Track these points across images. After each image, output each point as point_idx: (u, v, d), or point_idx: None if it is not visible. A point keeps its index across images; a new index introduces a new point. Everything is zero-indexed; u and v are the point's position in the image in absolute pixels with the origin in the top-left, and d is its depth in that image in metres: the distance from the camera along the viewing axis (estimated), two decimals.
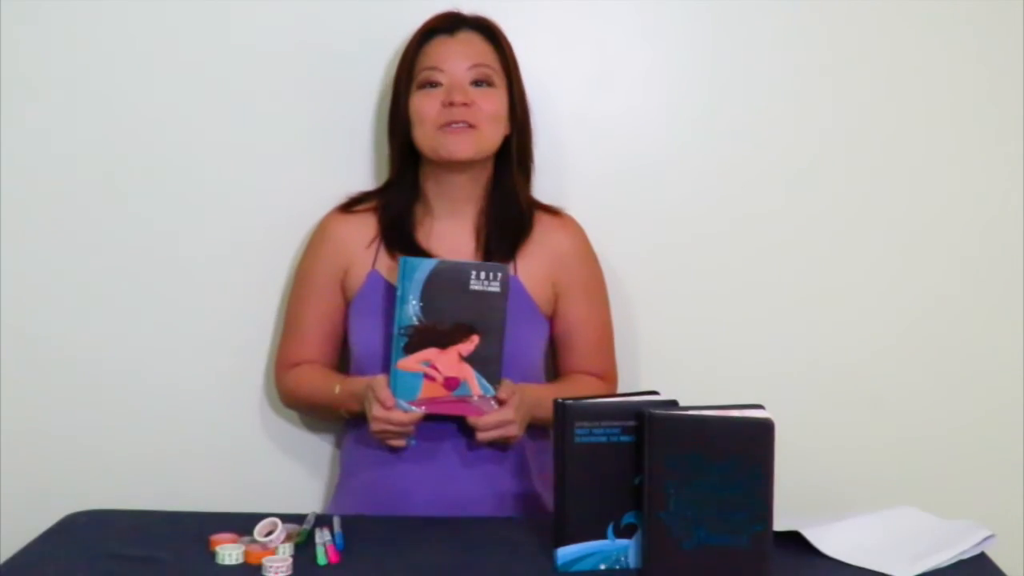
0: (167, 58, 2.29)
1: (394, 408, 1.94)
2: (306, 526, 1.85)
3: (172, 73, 2.30)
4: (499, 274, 1.93)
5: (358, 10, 2.29)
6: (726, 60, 2.35)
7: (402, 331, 1.93)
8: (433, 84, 2.08)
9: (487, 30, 2.13)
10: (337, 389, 2.08)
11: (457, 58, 2.09)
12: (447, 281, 1.93)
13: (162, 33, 2.29)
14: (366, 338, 2.11)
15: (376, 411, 1.94)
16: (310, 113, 2.31)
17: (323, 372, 2.16)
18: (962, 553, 1.78)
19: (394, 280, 2.07)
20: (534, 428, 2.06)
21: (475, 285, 1.93)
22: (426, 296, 1.93)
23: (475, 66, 2.09)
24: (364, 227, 2.16)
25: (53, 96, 2.29)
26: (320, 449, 2.37)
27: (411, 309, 1.93)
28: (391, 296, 2.07)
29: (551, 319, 2.18)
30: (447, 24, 2.12)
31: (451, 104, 2.05)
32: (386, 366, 1.99)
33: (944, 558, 1.75)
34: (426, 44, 2.11)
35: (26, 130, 2.30)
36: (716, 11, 2.33)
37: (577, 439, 1.69)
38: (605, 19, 2.33)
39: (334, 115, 2.31)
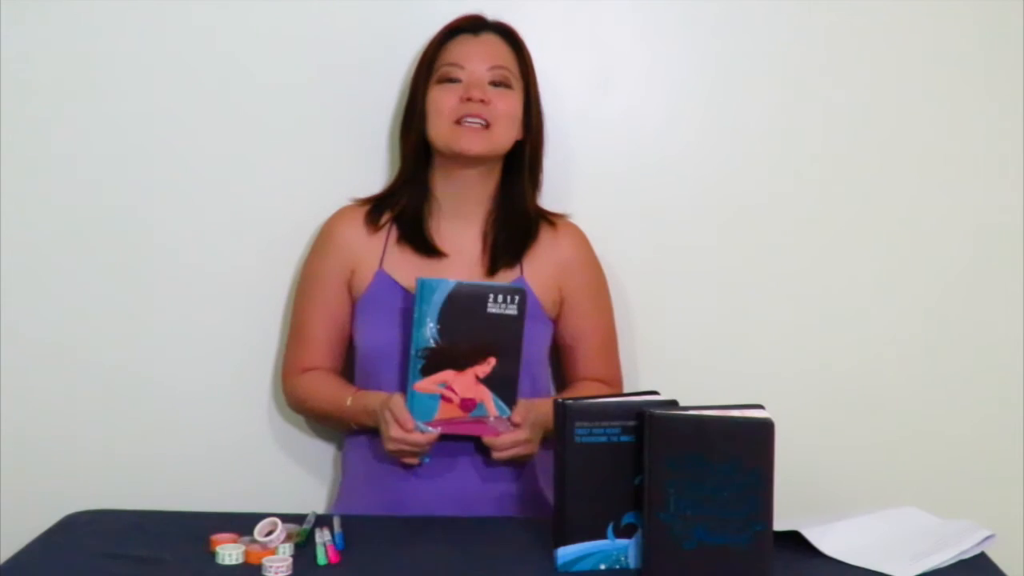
0: (179, 57, 2.29)
1: (414, 430, 1.94)
2: (306, 526, 1.85)
3: (183, 74, 2.29)
4: (516, 297, 1.94)
5: (373, 12, 2.29)
6: (727, 61, 2.35)
7: (419, 353, 1.93)
8: (452, 80, 2.10)
9: (509, 35, 2.16)
10: (349, 401, 2.08)
11: (478, 57, 2.11)
12: (464, 304, 1.93)
13: (175, 32, 2.28)
14: (373, 337, 2.11)
15: (394, 432, 1.95)
16: (321, 115, 2.31)
17: (334, 382, 2.16)
18: (962, 553, 1.78)
19: (402, 280, 2.10)
20: (544, 440, 2.07)
21: (492, 308, 1.94)
22: (443, 318, 1.93)
23: (495, 67, 2.11)
24: (371, 226, 2.16)
25: (58, 91, 2.29)
26: (321, 449, 2.37)
27: (428, 332, 1.93)
28: (399, 295, 2.09)
29: (556, 324, 2.19)
30: (471, 24, 2.15)
31: (469, 99, 2.07)
32: (398, 368, 2.01)
33: (944, 558, 1.76)
34: (449, 41, 2.14)
35: (31, 133, 2.29)
36: (717, 12, 2.33)
37: (577, 439, 1.69)
38: (607, 20, 2.33)
39: (347, 117, 2.31)
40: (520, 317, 1.94)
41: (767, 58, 2.35)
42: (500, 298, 1.94)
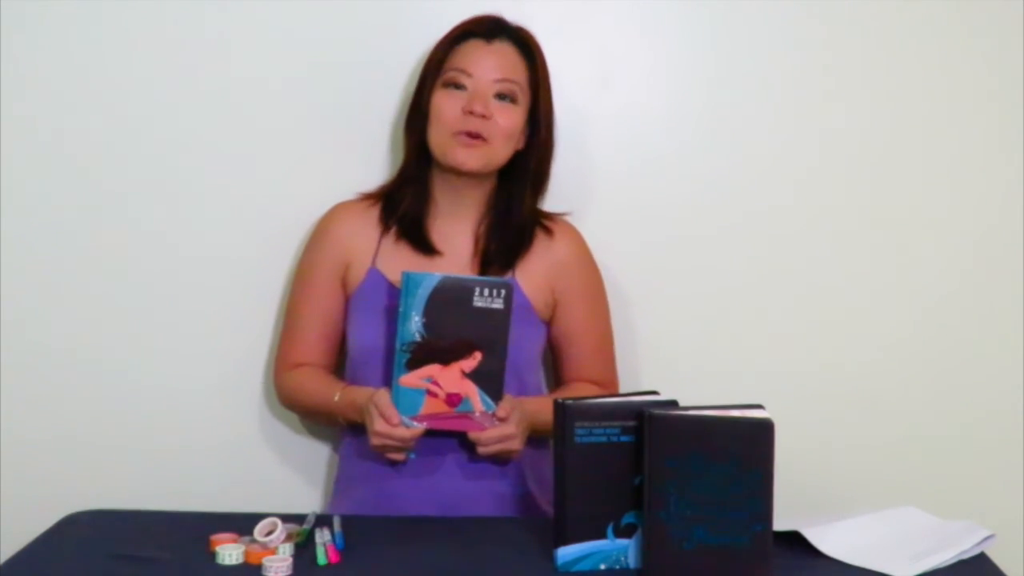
0: (177, 55, 2.29)
1: (399, 425, 1.93)
2: (306, 526, 1.85)
3: (181, 70, 2.30)
4: (503, 291, 1.92)
5: (376, 11, 2.29)
6: (727, 61, 2.35)
7: (404, 347, 1.92)
8: (458, 85, 2.08)
9: (523, 44, 2.12)
10: (337, 397, 2.07)
11: (487, 67, 2.07)
12: (450, 297, 1.91)
13: (175, 30, 2.28)
14: (364, 335, 2.10)
15: (379, 426, 1.93)
16: (322, 112, 2.31)
17: (323, 377, 2.15)
18: (962, 553, 1.78)
19: (394, 278, 2.08)
20: (533, 437, 2.05)
21: (479, 302, 1.91)
22: (429, 312, 1.91)
23: (502, 80, 2.07)
24: (367, 220, 2.16)
25: (56, 92, 2.29)
26: (320, 449, 2.37)
27: (414, 325, 1.91)
28: (391, 294, 2.08)
29: (549, 325, 2.18)
30: (486, 29, 2.10)
31: (471, 112, 2.05)
32: (388, 366, 1.99)
33: (944, 558, 1.76)
34: (460, 44, 2.10)
35: (29, 130, 2.29)
36: (718, 11, 2.33)
37: (577, 439, 1.69)
38: (606, 19, 2.33)
39: (347, 114, 2.31)
40: (506, 311, 1.92)
41: (767, 58, 2.35)
42: (486, 292, 1.92)
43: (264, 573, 1.69)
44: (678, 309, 2.38)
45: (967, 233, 2.38)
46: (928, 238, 2.38)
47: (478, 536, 1.88)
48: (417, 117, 2.12)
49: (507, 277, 2.11)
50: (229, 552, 1.73)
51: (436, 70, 2.10)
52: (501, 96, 2.08)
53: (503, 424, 1.95)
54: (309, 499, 2.33)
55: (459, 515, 2.01)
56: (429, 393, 1.93)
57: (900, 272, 2.38)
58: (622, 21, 2.34)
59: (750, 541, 1.63)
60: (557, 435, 1.71)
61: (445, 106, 2.07)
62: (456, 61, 2.09)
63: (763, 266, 2.37)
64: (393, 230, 2.14)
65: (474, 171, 2.08)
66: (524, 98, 2.10)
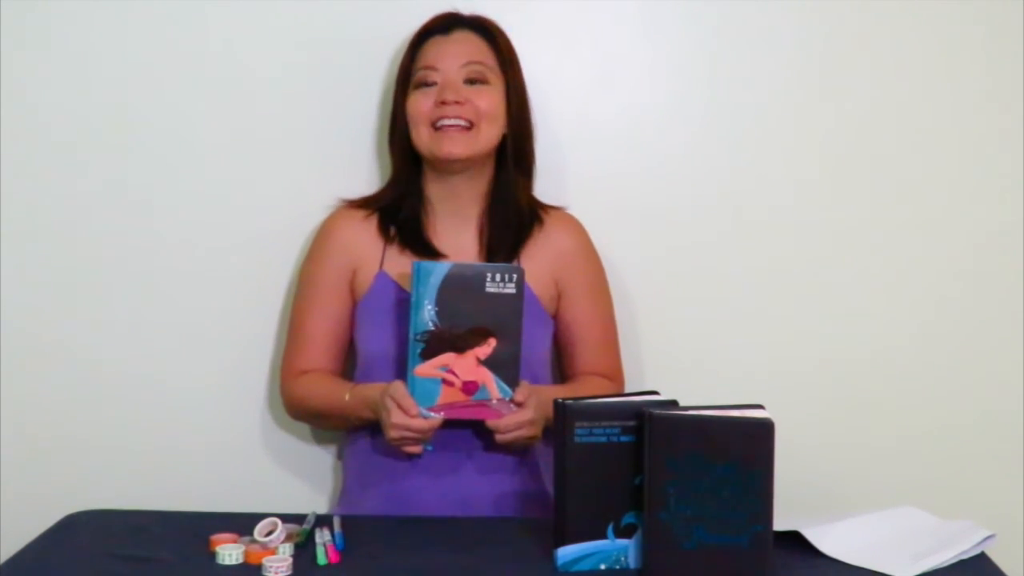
0: (168, 59, 2.30)
1: (417, 415, 1.92)
2: (306, 526, 1.85)
3: (173, 74, 2.30)
4: (515, 275, 1.92)
5: (360, 11, 2.30)
6: (727, 60, 2.35)
7: (418, 337, 1.91)
8: (428, 84, 2.10)
9: (483, 29, 2.14)
10: (347, 396, 2.06)
11: (451, 57, 2.09)
12: (462, 284, 1.91)
13: (163, 34, 2.29)
14: (374, 340, 2.10)
15: (397, 418, 1.92)
16: (311, 114, 2.32)
17: (331, 380, 2.14)
18: (962, 553, 1.78)
19: (402, 281, 2.09)
20: (547, 430, 2.05)
21: (491, 287, 1.91)
22: (441, 300, 1.91)
23: (469, 64, 2.09)
24: (369, 228, 2.16)
25: (54, 96, 2.30)
26: (321, 449, 2.37)
27: (427, 314, 1.91)
28: (399, 297, 2.08)
29: (555, 318, 2.18)
30: (443, 24, 2.13)
31: (444, 103, 2.06)
32: (399, 370, 1.99)
33: (944, 558, 1.75)
34: (422, 45, 2.13)
35: (26, 130, 2.30)
36: (717, 11, 2.33)
37: (577, 439, 1.69)
38: (606, 19, 2.33)
39: (335, 116, 2.31)
40: (519, 295, 1.92)
41: (767, 58, 2.35)
42: (498, 277, 1.92)
43: (264, 573, 1.68)
44: (679, 309, 2.38)
45: (967, 233, 2.38)
46: (928, 238, 2.38)
47: (478, 536, 1.88)
48: (397, 125, 2.14)
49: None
50: (229, 552, 1.73)
51: (405, 76, 2.13)
52: (471, 81, 2.09)
53: (521, 410, 1.94)
54: (310, 499, 2.33)
55: (475, 513, 2.01)
56: (445, 382, 1.92)
57: (900, 272, 2.38)
58: (622, 21, 2.34)
59: (750, 541, 1.63)
60: (557, 435, 1.71)
61: (420, 105, 2.09)
62: (421, 61, 2.11)
63: (763, 266, 2.37)
64: (396, 240, 2.14)
65: (463, 157, 2.07)
66: (497, 79, 2.12)
